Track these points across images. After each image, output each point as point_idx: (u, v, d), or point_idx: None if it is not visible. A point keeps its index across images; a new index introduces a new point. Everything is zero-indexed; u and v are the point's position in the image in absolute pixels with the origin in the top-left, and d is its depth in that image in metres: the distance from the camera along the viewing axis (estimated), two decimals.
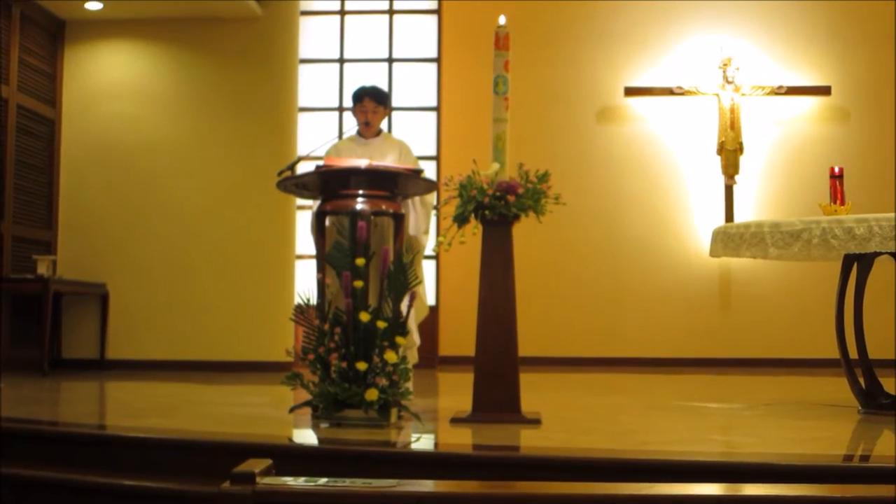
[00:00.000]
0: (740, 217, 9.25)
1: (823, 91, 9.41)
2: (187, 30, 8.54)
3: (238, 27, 8.51)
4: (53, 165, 8.49)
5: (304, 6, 9.23)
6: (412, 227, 5.21)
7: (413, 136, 8.58)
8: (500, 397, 4.26)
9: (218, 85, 8.52)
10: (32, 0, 8.05)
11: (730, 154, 9.33)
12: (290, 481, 2.23)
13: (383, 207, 4.79)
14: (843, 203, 4.90)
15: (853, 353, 4.84)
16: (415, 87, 9.58)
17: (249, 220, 8.36)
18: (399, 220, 4.90)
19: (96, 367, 8.23)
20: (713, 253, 5.12)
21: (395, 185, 4.85)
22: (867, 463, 3.51)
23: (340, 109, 9.51)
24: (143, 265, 8.36)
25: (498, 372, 4.28)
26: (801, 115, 9.54)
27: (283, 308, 7.93)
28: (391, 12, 9.69)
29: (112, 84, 8.58)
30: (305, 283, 5.68)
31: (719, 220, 9.07)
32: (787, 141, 9.53)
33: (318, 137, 8.53)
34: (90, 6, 8.23)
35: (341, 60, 9.65)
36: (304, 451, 3.74)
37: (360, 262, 4.17)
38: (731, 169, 9.35)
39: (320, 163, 4.99)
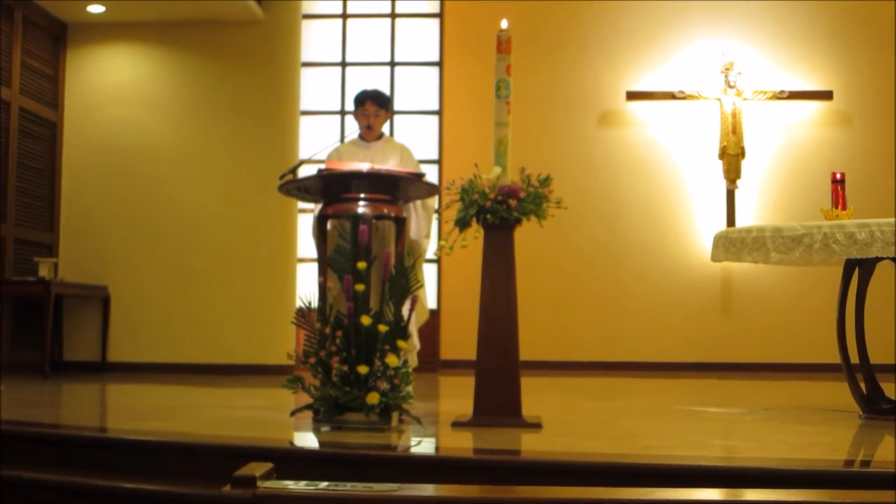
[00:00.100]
0: (742, 221, 9.25)
1: (825, 96, 9.41)
2: (189, 33, 8.55)
3: (240, 30, 8.52)
4: (55, 168, 8.50)
5: (306, 9, 9.24)
6: (413, 230, 5.21)
7: (415, 140, 8.60)
8: (501, 401, 4.26)
9: (220, 88, 8.53)
10: (35, 3, 8.06)
11: (731, 158, 9.34)
12: (291, 485, 2.23)
13: (385, 211, 4.79)
14: (844, 208, 4.90)
15: (854, 358, 4.84)
16: (417, 90, 9.59)
17: (251, 224, 8.36)
18: (400, 223, 4.91)
19: (97, 369, 8.23)
20: (714, 257, 5.12)
21: (396, 188, 4.85)
22: (868, 468, 3.50)
23: (342, 113, 9.52)
24: (145, 268, 8.37)
25: (499, 376, 4.28)
26: (803, 119, 9.54)
27: (285, 311, 7.93)
28: (393, 16, 9.70)
29: (114, 87, 8.59)
30: (307, 287, 5.69)
31: (721, 225, 9.06)
32: (788, 145, 9.53)
33: (320, 141, 8.54)
34: (92, 9, 8.24)
35: (343, 64, 9.66)
36: (305, 454, 3.74)
37: (361, 265, 4.17)
38: (732, 173, 9.35)
39: (322, 166, 4.99)
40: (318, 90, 9.54)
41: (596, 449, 3.75)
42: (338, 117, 9.58)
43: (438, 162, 9.39)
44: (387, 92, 7.24)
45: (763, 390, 7.07)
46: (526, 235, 4.65)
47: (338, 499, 2.21)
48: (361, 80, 9.06)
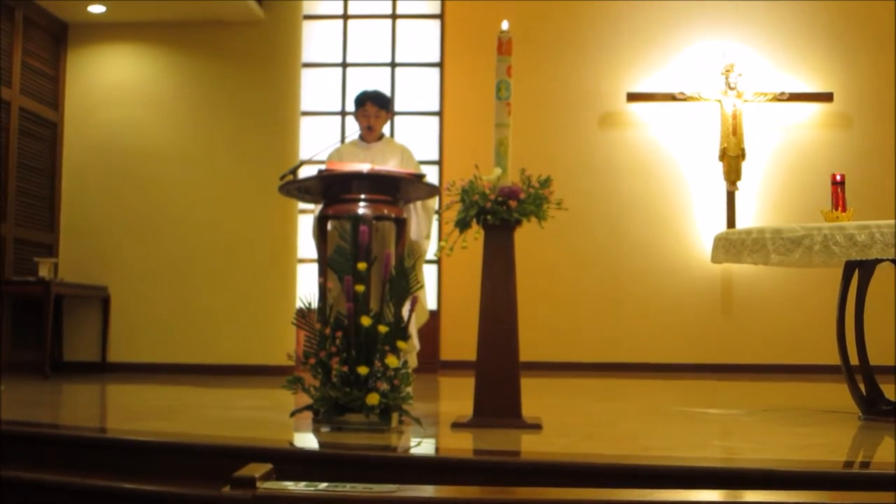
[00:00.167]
0: (742, 223, 9.25)
1: (825, 97, 9.42)
2: (190, 33, 8.55)
3: (241, 31, 8.52)
4: (55, 168, 8.50)
5: (307, 10, 9.25)
6: (414, 231, 5.22)
7: (415, 141, 8.60)
8: (501, 402, 4.26)
9: (220, 89, 8.53)
10: (35, 3, 8.06)
11: (732, 160, 9.34)
12: (291, 486, 2.23)
13: (385, 212, 4.80)
14: (844, 209, 4.90)
15: (854, 360, 4.84)
16: (417, 91, 9.59)
17: (251, 224, 8.36)
18: (401, 224, 4.91)
19: (97, 369, 8.23)
20: (715, 259, 5.12)
21: (396, 189, 4.86)
22: (867, 470, 3.50)
23: (343, 114, 9.52)
24: (145, 268, 8.37)
25: (499, 376, 4.28)
26: (803, 121, 9.54)
27: (285, 312, 7.93)
28: (394, 17, 9.70)
29: (114, 87, 8.59)
30: (307, 287, 5.69)
31: (721, 226, 9.07)
32: (789, 147, 9.54)
33: (320, 141, 8.54)
34: (93, 9, 8.25)
35: (344, 65, 9.67)
36: (305, 455, 3.74)
37: (361, 266, 4.17)
38: (732, 175, 9.35)
39: (322, 167, 4.99)
40: (318, 91, 9.54)
41: (596, 450, 3.75)
42: (338, 118, 9.58)
43: (439, 163, 9.39)
44: (387, 93, 7.24)
45: (763, 391, 7.07)
46: (526, 236, 4.65)
47: (337, 500, 2.21)
48: (362, 81, 9.06)
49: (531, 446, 3.88)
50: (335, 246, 4.42)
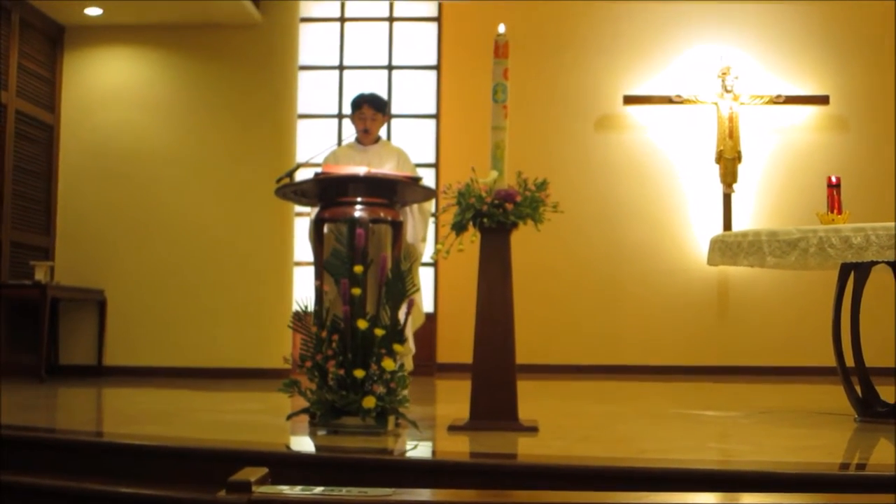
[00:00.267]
0: (738, 225, 9.26)
1: (822, 100, 9.43)
2: (187, 36, 8.55)
3: (238, 33, 8.52)
4: (52, 171, 8.49)
5: (303, 12, 9.25)
6: (410, 234, 5.21)
7: (412, 144, 8.61)
8: (498, 405, 4.26)
9: (217, 91, 8.53)
10: (32, 5, 8.06)
11: (728, 163, 9.35)
12: (286, 490, 2.23)
13: (381, 215, 4.80)
14: (840, 212, 4.91)
15: (850, 362, 4.85)
16: (414, 94, 9.60)
17: (247, 227, 8.36)
18: (397, 227, 4.91)
19: (93, 373, 8.22)
20: (711, 261, 5.13)
21: (393, 192, 4.86)
22: (863, 471, 3.51)
23: (340, 116, 9.53)
24: (141, 271, 8.36)
25: (495, 379, 4.28)
26: (799, 124, 9.55)
27: (281, 315, 7.93)
28: (391, 19, 9.71)
29: (111, 90, 8.58)
30: (303, 291, 5.68)
31: (717, 229, 9.07)
32: (785, 150, 9.55)
33: (317, 144, 8.54)
34: (90, 12, 8.24)
35: (341, 67, 9.67)
36: (302, 458, 3.74)
37: (358, 269, 4.17)
38: (729, 177, 9.36)
39: (319, 170, 4.99)
40: (315, 94, 9.55)
41: (592, 452, 3.75)
42: (335, 121, 9.58)
43: (435, 166, 9.40)
44: (384, 96, 7.24)
45: (759, 394, 7.08)
46: (523, 239, 4.65)
47: None
48: (359, 84, 9.07)
49: (527, 449, 3.88)
50: (331, 249, 4.42)
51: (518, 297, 4.41)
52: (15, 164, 7.94)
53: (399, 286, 4.22)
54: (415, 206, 5.30)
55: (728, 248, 4.92)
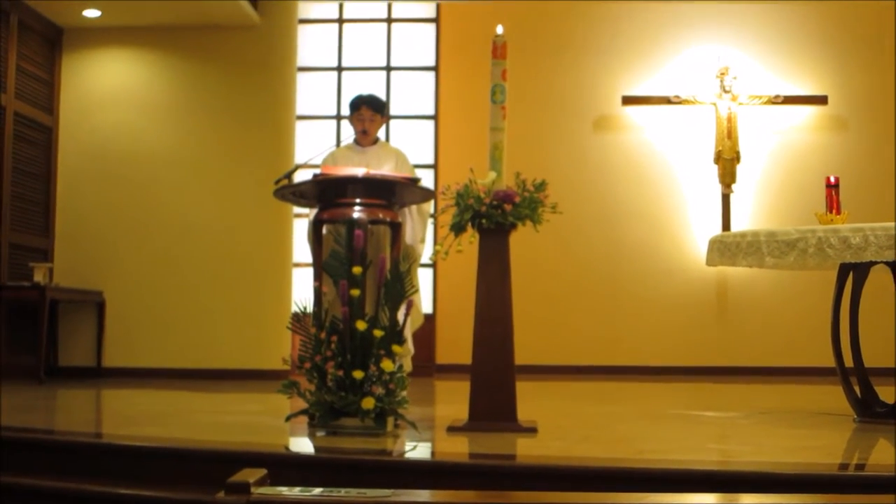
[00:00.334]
0: (737, 226, 9.27)
1: (820, 100, 9.44)
2: (185, 37, 8.55)
3: (236, 35, 8.52)
4: (50, 173, 8.49)
5: (302, 14, 9.25)
6: (409, 235, 5.21)
7: (411, 145, 8.61)
8: (497, 406, 4.26)
9: (216, 92, 8.53)
10: (30, 7, 8.05)
11: (727, 163, 9.36)
12: (285, 491, 2.23)
13: (380, 216, 4.79)
14: (839, 212, 4.91)
15: (849, 362, 4.85)
16: (413, 95, 9.60)
17: (246, 228, 8.36)
18: (396, 228, 4.91)
19: (93, 374, 8.22)
20: (710, 262, 5.13)
21: (391, 193, 4.86)
22: (863, 472, 3.51)
23: (338, 118, 9.53)
24: (140, 273, 8.36)
25: (494, 380, 4.28)
26: (797, 124, 9.56)
27: (280, 316, 7.93)
28: (389, 21, 9.71)
29: (110, 92, 8.58)
30: (302, 292, 5.68)
31: (716, 229, 9.08)
32: (783, 150, 9.55)
33: (315, 145, 8.53)
34: (88, 13, 8.24)
35: (339, 68, 9.67)
36: (301, 459, 3.74)
37: (356, 270, 4.17)
38: (727, 178, 9.37)
39: (317, 171, 4.99)
40: (314, 95, 9.55)
41: (591, 453, 3.74)
42: (333, 122, 9.59)
43: (434, 166, 9.40)
44: (383, 97, 7.25)
45: (758, 394, 7.08)
46: (521, 240, 4.65)
47: None
48: (357, 85, 9.08)
49: (527, 450, 3.88)
50: (330, 250, 4.42)
51: (517, 297, 4.41)
52: (14, 165, 7.94)
53: (398, 287, 4.22)
54: (413, 208, 5.31)
55: (727, 248, 4.92)
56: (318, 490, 2.25)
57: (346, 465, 3.47)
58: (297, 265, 8.71)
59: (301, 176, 5.85)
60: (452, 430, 4.26)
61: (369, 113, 5.50)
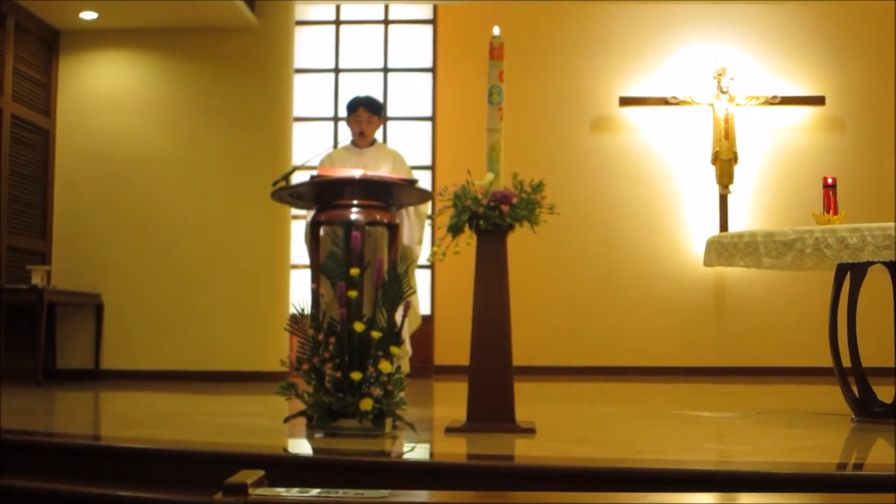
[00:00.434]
0: (734, 226, 9.28)
1: (817, 101, 9.45)
2: (182, 39, 8.55)
3: (233, 36, 8.52)
4: (48, 175, 8.49)
5: (299, 15, 9.25)
6: (406, 237, 5.22)
7: (408, 146, 8.61)
8: (495, 407, 4.26)
9: (213, 94, 8.52)
10: (27, 9, 8.05)
11: (724, 164, 9.36)
12: (283, 492, 2.23)
13: (377, 217, 4.80)
14: (836, 213, 4.92)
15: (846, 362, 4.85)
16: (410, 96, 9.61)
17: (244, 230, 8.35)
18: (393, 230, 4.91)
19: (91, 377, 8.21)
20: (707, 262, 5.13)
21: (389, 195, 4.86)
22: (861, 471, 3.51)
23: (335, 119, 9.53)
24: (138, 275, 8.35)
25: (492, 381, 4.28)
26: (795, 125, 9.57)
27: (278, 318, 7.92)
28: (386, 22, 9.71)
29: (107, 94, 8.58)
30: (300, 293, 5.68)
31: (713, 230, 9.09)
32: (781, 151, 9.56)
33: (313, 147, 8.53)
34: (85, 16, 8.24)
35: (336, 70, 9.67)
36: (299, 461, 3.74)
37: (354, 272, 4.17)
38: (725, 178, 9.38)
39: (315, 173, 4.99)
40: (311, 96, 9.55)
41: (589, 454, 3.75)
42: (331, 123, 9.58)
43: (431, 168, 9.40)
44: (380, 98, 7.25)
45: (756, 394, 7.08)
46: (519, 241, 4.66)
47: None
48: (354, 87, 9.08)
49: (525, 450, 3.88)
50: (328, 251, 4.42)
51: (514, 298, 4.42)
52: (11, 168, 7.93)
53: (395, 288, 4.22)
54: (411, 209, 5.31)
55: (724, 248, 4.93)
56: (315, 491, 2.25)
57: (344, 467, 3.47)
58: (295, 267, 8.71)
59: (298, 177, 5.85)
60: (450, 430, 4.26)
61: (366, 114, 5.50)
